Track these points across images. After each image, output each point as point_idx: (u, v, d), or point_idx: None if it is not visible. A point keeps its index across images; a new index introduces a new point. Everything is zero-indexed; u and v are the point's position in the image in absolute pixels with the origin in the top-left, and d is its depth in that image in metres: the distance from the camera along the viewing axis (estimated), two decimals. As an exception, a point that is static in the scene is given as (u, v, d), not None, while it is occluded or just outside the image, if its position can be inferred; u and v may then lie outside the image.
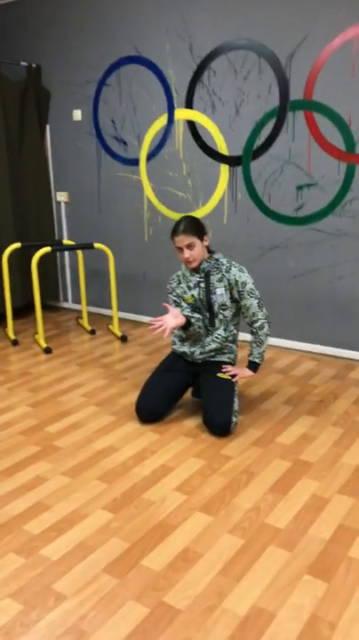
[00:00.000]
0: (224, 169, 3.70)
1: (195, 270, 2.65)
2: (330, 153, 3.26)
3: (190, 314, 2.65)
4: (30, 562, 1.69)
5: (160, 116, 3.92)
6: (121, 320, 4.53)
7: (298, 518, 1.90)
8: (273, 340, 3.76)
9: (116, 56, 4.02)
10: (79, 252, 4.29)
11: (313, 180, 3.36)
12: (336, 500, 2.01)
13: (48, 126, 4.60)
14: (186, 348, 2.73)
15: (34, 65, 4.43)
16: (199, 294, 2.64)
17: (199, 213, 3.89)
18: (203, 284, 2.63)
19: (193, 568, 1.67)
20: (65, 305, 4.99)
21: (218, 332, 2.66)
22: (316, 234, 3.42)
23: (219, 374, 2.63)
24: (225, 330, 2.67)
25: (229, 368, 2.67)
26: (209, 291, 2.62)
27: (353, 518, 1.90)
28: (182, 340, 2.73)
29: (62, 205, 4.71)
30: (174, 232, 2.55)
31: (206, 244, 2.62)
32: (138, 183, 4.17)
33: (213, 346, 2.68)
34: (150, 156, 4.05)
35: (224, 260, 2.63)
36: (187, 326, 2.58)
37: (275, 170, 3.48)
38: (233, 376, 2.65)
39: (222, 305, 2.62)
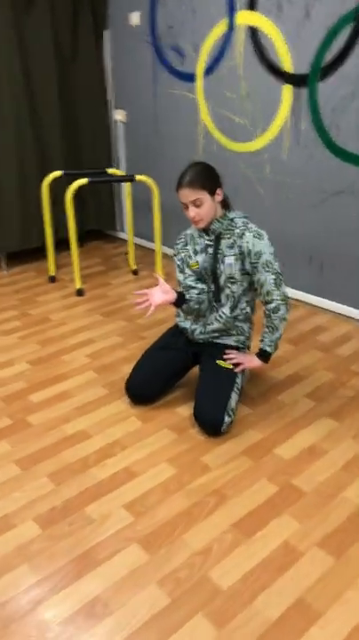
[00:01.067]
0: (287, 90, 2.99)
1: (205, 231, 2.16)
2: None
3: (194, 283, 2.20)
4: None
5: (220, 20, 3.21)
6: (170, 258, 4.13)
7: (250, 577, 1.53)
8: (327, 304, 3.17)
9: None
10: (155, 193, 3.85)
11: (392, 111, 2.58)
12: (310, 556, 1.59)
13: (106, 33, 4.04)
14: (187, 324, 2.31)
15: None
16: (204, 261, 2.16)
17: (257, 144, 3.25)
18: (211, 250, 2.14)
19: (89, 631, 1.39)
20: (122, 235, 4.66)
21: (223, 309, 2.20)
22: (391, 181, 2.69)
23: (220, 362, 2.21)
24: (232, 308, 2.19)
25: (233, 355, 2.22)
26: (216, 259, 2.13)
27: (318, 593, 1.48)
28: (186, 313, 2.30)
29: (120, 126, 4.23)
30: (178, 184, 2.05)
31: (219, 198, 2.10)
32: (194, 103, 3.56)
33: (216, 325, 2.23)
34: (208, 71, 3.40)
35: (240, 222, 2.11)
36: (179, 303, 2.15)
37: (346, 94, 2.72)
38: (236, 365, 2.21)
39: (230, 277, 2.13)
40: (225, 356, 2.21)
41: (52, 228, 3.93)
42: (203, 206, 2.04)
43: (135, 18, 3.77)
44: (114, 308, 3.31)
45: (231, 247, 2.10)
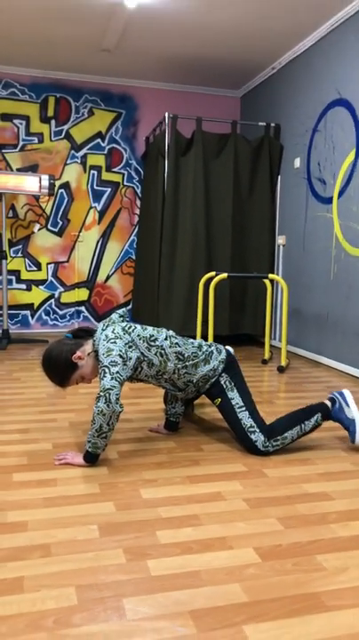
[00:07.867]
0: None
1: None
2: None
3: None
4: None
5: (350, 151, 3.82)
6: (302, 359, 4.44)
7: None
8: None
9: (326, 102, 4.17)
10: (284, 290, 4.24)
11: None
12: None
13: (279, 177, 4.87)
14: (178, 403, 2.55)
15: (273, 124, 4.87)
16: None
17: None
18: None
19: None
20: (270, 341, 5.08)
21: (178, 393, 2.37)
22: None
23: (214, 403, 2.35)
24: (178, 386, 2.31)
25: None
26: None
27: None
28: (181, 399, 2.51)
29: (280, 248, 4.91)
30: None
31: (82, 362, 2.21)
32: (330, 221, 4.08)
33: (192, 395, 2.41)
34: (341, 193, 3.95)
35: (96, 344, 2.22)
36: (173, 424, 2.49)
37: None
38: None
39: (138, 380, 2.31)
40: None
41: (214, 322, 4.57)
42: (84, 378, 2.24)
43: (297, 162, 4.61)
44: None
45: None
